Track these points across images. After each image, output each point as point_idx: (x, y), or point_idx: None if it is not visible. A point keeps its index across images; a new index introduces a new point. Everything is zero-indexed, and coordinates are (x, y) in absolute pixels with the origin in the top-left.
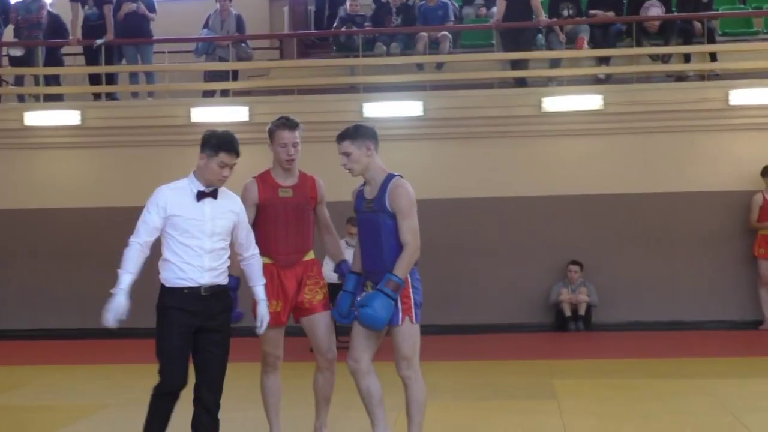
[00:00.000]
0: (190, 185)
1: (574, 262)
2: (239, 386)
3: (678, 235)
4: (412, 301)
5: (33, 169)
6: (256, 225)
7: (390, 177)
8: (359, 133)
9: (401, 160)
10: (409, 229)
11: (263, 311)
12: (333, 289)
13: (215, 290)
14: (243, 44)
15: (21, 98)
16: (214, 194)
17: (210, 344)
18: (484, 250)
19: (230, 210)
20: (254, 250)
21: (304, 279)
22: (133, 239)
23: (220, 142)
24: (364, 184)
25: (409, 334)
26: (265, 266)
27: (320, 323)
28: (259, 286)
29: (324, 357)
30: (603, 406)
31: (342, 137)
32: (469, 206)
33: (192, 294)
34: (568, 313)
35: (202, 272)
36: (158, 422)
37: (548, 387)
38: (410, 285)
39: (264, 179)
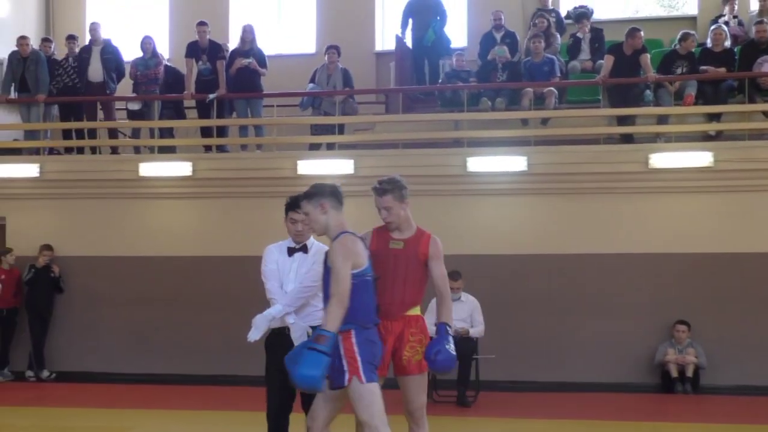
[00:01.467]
0: (287, 243)
1: (682, 322)
2: None
3: None
4: (359, 361)
5: (145, 218)
6: None
7: (338, 235)
8: (315, 192)
9: (504, 215)
10: (335, 280)
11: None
12: None
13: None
14: (350, 99)
15: (137, 150)
16: (303, 249)
17: None
18: (588, 307)
19: (313, 261)
20: (300, 288)
21: (405, 334)
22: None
23: (287, 204)
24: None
25: (360, 395)
26: None
27: (411, 385)
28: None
29: (411, 415)
30: None
31: (301, 199)
32: (573, 262)
33: (281, 333)
34: (674, 374)
35: (288, 315)
36: None
37: None
38: (355, 344)
39: (380, 230)
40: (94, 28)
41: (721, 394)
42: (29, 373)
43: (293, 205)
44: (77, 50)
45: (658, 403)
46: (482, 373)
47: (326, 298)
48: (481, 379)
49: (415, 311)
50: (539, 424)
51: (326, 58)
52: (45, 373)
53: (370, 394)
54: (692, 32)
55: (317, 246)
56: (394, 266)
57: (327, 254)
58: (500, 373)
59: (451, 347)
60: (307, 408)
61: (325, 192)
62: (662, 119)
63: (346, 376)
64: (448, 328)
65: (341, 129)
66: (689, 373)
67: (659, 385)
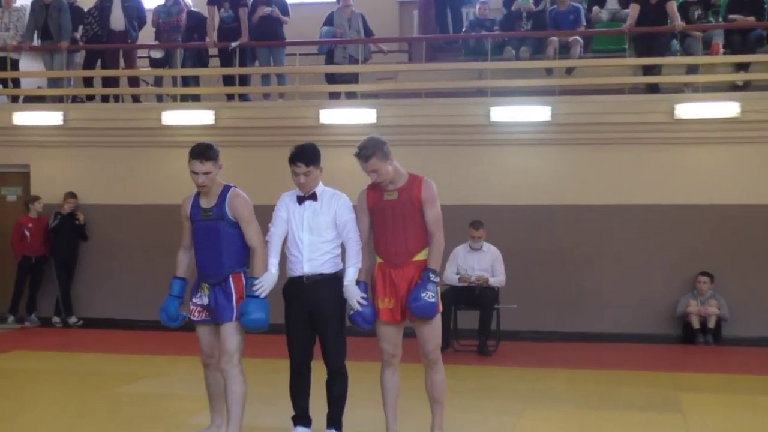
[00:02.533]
0: (297, 192)
1: (705, 273)
2: (364, 382)
3: None
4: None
5: (168, 166)
6: (371, 229)
7: (227, 188)
8: (214, 155)
9: (528, 165)
10: (255, 233)
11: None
12: (455, 292)
13: (317, 278)
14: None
15: (159, 98)
16: (313, 197)
17: (322, 323)
18: (610, 257)
19: (328, 209)
20: (351, 244)
21: (415, 278)
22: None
23: (290, 156)
24: (198, 194)
25: (236, 330)
26: (379, 265)
27: (423, 327)
28: (351, 268)
29: (426, 358)
30: (731, 422)
31: (205, 158)
32: (596, 213)
33: (297, 282)
34: (696, 325)
35: (302, 263)
36: (296, 395)
37: (674, 400)
38: (246, 286)
39: (374, 186)
40: None
41: (742, 345)
42: (55, 319)
43: (293, 157)
44: None
45: (679, 353)
46: (503, 323)
47: (213, 249)
48: (502, 329)
49: (424, 255)
50: (560, 373)
51: (340, 2)
52: (73, 319)
53: (242, 332)
54: None
55: (329, 192)
56: (392, 217)
57: (227, 207)
58: (522, 323)
59: (429, 294)
60: (327, 354)
61: (217, 153)
62: (690, 69)
63: (234, 314)
64: (430, 275)
65: (361, 78)
66: (711, 324)
67: (681, 337)
